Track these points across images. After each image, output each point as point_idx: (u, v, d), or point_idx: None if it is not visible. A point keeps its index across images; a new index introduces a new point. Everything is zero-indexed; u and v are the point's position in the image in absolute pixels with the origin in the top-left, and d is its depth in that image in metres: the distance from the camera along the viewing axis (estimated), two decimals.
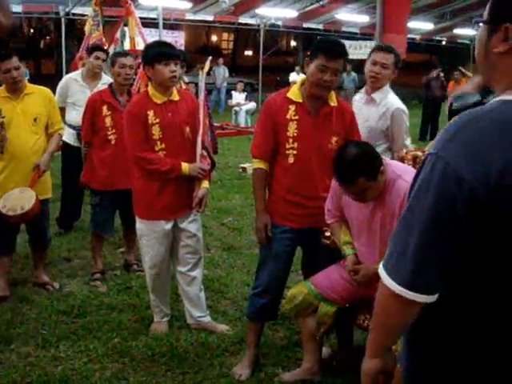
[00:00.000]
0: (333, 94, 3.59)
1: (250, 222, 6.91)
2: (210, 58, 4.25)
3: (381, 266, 1.55)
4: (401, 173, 3.10)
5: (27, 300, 4.70)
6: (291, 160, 3.54)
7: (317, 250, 3.68)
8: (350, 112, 3.68)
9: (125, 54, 5.15)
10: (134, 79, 7.44)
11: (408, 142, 4.17)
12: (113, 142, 4.97)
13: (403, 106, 4.23)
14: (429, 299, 1.47)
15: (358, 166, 2.97)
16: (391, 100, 4.23)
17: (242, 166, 10.36)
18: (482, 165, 1.36)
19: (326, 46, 3.46)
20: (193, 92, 5.72)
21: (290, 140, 3.52)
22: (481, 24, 1.55)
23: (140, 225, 4.15)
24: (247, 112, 15.86)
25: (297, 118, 3.51)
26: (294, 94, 3.55)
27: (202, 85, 4.08)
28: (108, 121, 4.94)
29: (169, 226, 4.08)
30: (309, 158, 3.51)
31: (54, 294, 4.85)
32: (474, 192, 1.36)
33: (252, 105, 16.32)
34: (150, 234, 4.09)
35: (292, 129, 3.51)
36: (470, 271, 1.45)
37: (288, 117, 3.51)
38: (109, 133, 4.96)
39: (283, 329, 4.23)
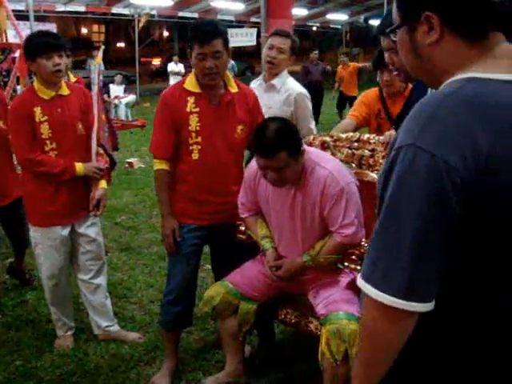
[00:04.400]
0: (231, 80, 3.40)
1: (144, 219, 6.67)
2: (103, 47, 3.94)
3: (360, 279, 1.35)
4: (319, 160, 2.99)
5: None
6: (196, 156, 3.31)
7: (230, 246, 3.51)
8: (251, 96, 3.49)
9: None
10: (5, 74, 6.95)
11: (313, 125, 4.13)
12: None
13: (304, 91, 4.17)
14: (427, 307, 1.30)
15: (281, 138, 2.83)
16: (292, 85, 4.13)
17: (128, 160, 10.00)
18: (467, 148, 1.22)
19: (196, 32, 3.22)
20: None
21: (193, 134, 3.28)
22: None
23: (34, 233, 3.79)
24: (127, 105, 15.39)
25: (197, 109, 3.28)
26: (191, 84, 3.31)
27: (95, 77, 3.77)
28: None
29: (65, 231, 3.75)
30: (215, 151, 3.31)
31: None
32: (465, 179, 1.22)
33: (132, 97, 15.88)
34: (45, 241, 3.75)
35: (194, 122, 3.28)
36: (470, 269, 1.32)
37: (188, 110, 3.27)
38: None
39: (197, 330, 4.03)
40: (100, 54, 3.90)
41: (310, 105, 4.13)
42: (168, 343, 3.57)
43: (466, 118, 1.24)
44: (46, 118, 3.58)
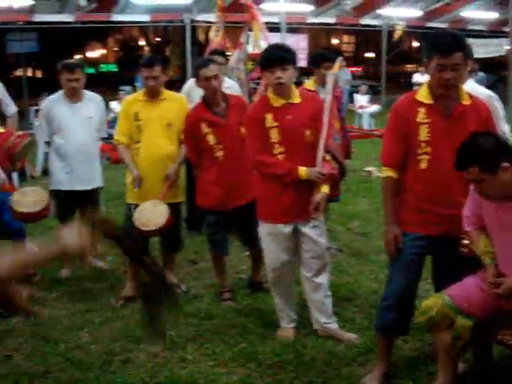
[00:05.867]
0: (464, 92, 3.39)
1: (377, 226, 6.73)
2: (341, 58, 4.13)
3: None
4: None
5: None
6: (424, 165, 3.35)
7: (452, 259, 3.46)
8: (484, 108, 3.43)
9: (206, 63, 4.64)
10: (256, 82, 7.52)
11: (505, 128, 3.95)
12: (220, 159, 4.61)
13: (492, 93, 4.06)
14: None
15: (471, 154, 2.92)
16: (478, 89, 4.02)
17: (366, 169, 10.18)
18: None
19: (438, 43, 3.26)
20: None
21: (423, 144, 3.33)
22: None
23: (261, 228, 4.15)
24: (371, 115, 15.60)
25: (428, 120, 3.32)
26: (423, 95, 3.37)
27: (329, 86, 3.98)
28: (211, 138, 4.56)
29: (288, 229, 4.01)
30: (443, 162, 3.30)
31: (181, 296, 4.92)
32: None
33: (376, 107, 16.05)
34: (269, 236, 4.08)
35: (424, 132, 3.33)
36: None
37: (418, 120, 3.33)
38: (215, 150, 4.59)
39: (414, 340, 4.03)
40: (338, 65, 4.09)
41: (499, 107, 3.97)
42: (382, 347, 3.65)
43: None
44: (276, 123, 3.89)
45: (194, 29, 16.50)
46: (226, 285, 4.94)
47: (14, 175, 5.23)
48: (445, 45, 3.21)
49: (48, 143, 5.50)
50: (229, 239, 5.02)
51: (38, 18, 15.24)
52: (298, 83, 6.14)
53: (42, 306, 4.76)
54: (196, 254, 5.93)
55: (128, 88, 15.05)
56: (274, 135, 3.89)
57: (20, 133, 5.57)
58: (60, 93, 5.35)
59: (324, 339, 4.08)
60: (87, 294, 5.06)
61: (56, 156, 5.35)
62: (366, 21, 19.48)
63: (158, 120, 4.75)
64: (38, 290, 5.07)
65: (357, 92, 16.47)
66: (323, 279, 4.14)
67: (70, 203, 5.36)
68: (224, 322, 4.39)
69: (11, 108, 6.21)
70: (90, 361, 3.89)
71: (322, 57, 5.50)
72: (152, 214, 4.60)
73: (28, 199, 4.68)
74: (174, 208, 4.79)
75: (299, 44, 15.22)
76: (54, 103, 5.34)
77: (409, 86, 16.89)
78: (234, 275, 5.35)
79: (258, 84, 7.54)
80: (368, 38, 39.16)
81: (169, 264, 5.15)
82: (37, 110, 12.62)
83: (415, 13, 18.95)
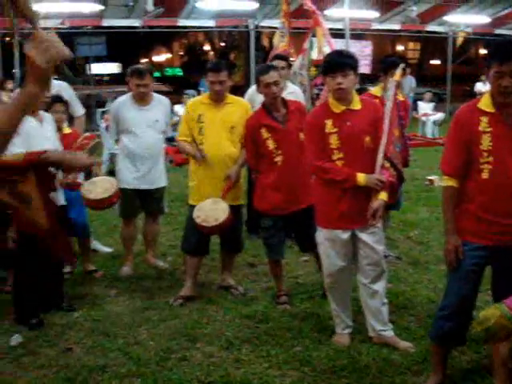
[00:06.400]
0: None
1: (437, 236, 6.66)
2: (403, 65, 4.11)
3: None
4: None
5: (213, 302, 4.90)
6: (486, 175, 3.31)
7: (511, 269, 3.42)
8: None
9: (266, 69, 4.68)
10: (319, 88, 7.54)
11: None
12: (279, 164, 4.64)
13: None
14: None
15: None
16: None
17: (428, 178, 10.06)
18: None
19: (497, 50, 3.23)
20: None
21: (485, 154, 3.29)
22: None
23: (319, 232, 4.17)
24: (435, 123, 15.37)
25: (490, 129, 3.28)
26: (485, 104, 3.32)
27: (390, 93, 3.97)
28: (270, 143, 4.61)
29: (345, 235, 4.02)
30: (506, 172, 3.26)
31: (239, 297, 5.00)
32: None
33: (440, 115, 15.80)
34: (326, 242, 4.10)
35: (486, 142, 3.28)
36: None
37: (480, 129, 3.29)
38: (274, 155, 4.63)
39: (470, 351, 3.97)
40: (399, 72, 4.07)
41: None
42: (436, 357, 3.61)
43: None
44: (335, 129, 3.92)
45: (258, 34, 16.63)
46: (283, 288, 4.97)
47: (81, 175, 5.39)
48: (502, 52, 3.19)
49: (116, 141, 5.68)
50: (286, 243, 5.04)
51: (107, 22, 15.68)
52: (363, 90, 6.16)
53: (103, 303, 4.93)
54: (254, 257, 6.00)
55: (192, 91, 15.29)
56: (334, 141, 3.92)
57: (87, 134, 5.75)
58: (128, 95, 5.52)
59: (379, 346, 4.07)
60: (147, 292, 5.20)
61: (123, 156, 5.52)
62: (432, 27, 19.24)
63: (220, 123, 4.83)
64: (99, 287, 5.27)
65: (421, 99, 16.26)
66: (380, 286, 4.13)
67: (135, 201, 5.54)
68: (280, 325, 4.43)
69: (79, 110, 6.42)
70: (148, 357, 3.99)
71: (390, 63, 5.48)
72: (212, 211, 4.69)
73: (98, 188, 4.84)
74: (235, 210, 4.86)
75: (363, 50, 15.15)
76: (122, 105, 5.51)
77: (474, 95, 16.61)
78: (292, 279, 5.40)
79: (321, 90, 7.55)
80: (434, 44, 38.55)
81: (228, 266, 5.23)
82: (103, 112, 13.00)
83: (483, 19, 18.59)
